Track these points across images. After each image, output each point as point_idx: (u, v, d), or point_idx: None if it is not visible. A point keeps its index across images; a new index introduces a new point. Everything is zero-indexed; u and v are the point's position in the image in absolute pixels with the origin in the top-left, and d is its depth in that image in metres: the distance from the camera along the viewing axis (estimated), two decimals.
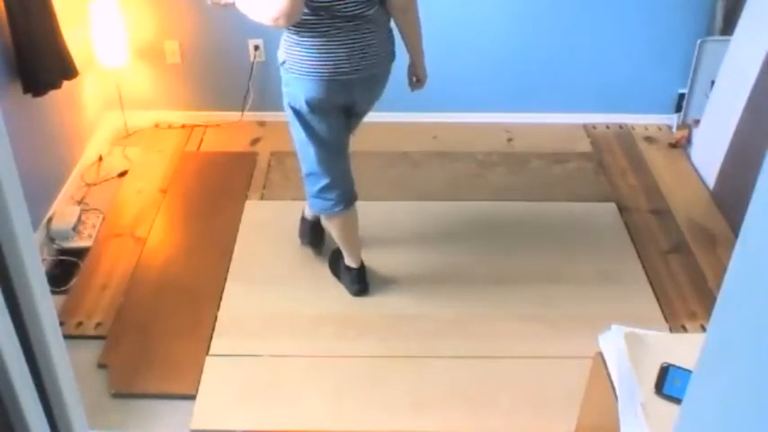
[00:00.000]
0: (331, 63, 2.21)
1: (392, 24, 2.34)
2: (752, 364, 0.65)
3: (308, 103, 2.28)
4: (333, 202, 2.49)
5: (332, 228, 2.62)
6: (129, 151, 3.51)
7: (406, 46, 2.43)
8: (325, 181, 2.45)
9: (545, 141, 3.60)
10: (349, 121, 2.47)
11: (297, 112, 2.34)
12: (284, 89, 2.34)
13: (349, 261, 2.68)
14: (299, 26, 2.17)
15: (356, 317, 2.61)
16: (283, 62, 2.28)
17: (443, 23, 3.49)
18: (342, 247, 2.68)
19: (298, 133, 2.40)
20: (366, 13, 2.19)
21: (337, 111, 2.36)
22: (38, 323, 0.78)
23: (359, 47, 2.22)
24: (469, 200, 3.21)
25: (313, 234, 2.86)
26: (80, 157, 3.32)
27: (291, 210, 3.15)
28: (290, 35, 2.23)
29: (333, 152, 2.43)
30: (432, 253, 2.90)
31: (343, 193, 2.50)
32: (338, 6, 2.15)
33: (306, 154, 2.43)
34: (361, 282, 2.68)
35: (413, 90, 2.55)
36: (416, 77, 2.52)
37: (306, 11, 2.12)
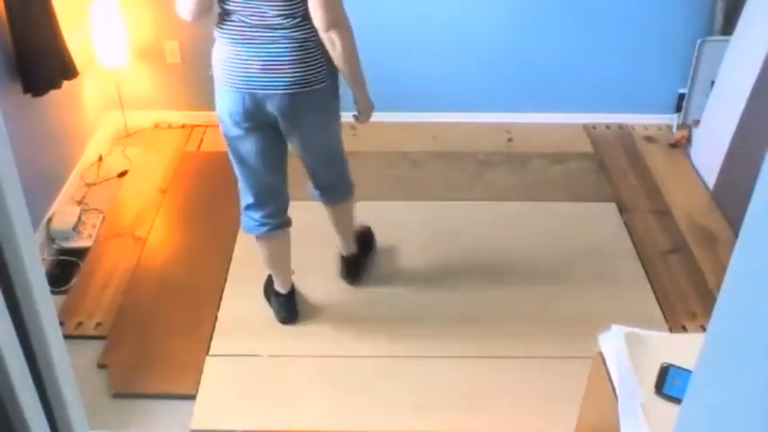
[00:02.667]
0: (244, 75, 2.04)
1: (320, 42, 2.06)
2: (752, 363, 0.65)
3: (230, 115, 2.12)
4: (256, 223, 2.35)
5: (258, 249, 2.45)
6: (129, 151, 3.51)
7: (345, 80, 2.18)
8: (249, 200, 2.31)
9: (545, 141, 3.60)
10: (299, 148, 2.27)
11: (222, 123, 2.18)
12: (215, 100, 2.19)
13: (278, 286, 2.54)
14: (218, 30, 2.06)
15: (356, 317, 2.61)
16: (212, 68, 2.15)
17: (444, 23, 3.50)
18: (270, 271, 2.54)
19: (226, 142, 2.23)
20: (283, 25, 1.99)
21: (263, 128, 2.16)
22: (38, 323, 0.78)
23: (275, 62, 2.02)
24: (469, 200, 3.21)
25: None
26: (80, 157, 3.32)
27: (291, 210, 3.14)
28: (216, 36, 2.10)
29: (256, 170, 2.24)
30: (432, 253, 2.90)
31: (270, 214, 2.34)
32: (248, 12, 1.97)
33: (236, 169, 2.27)
34: (288, 308, 2.54)
35: (356, 122, 2.33)
36: (357, 109, 2.29)
37: (221, 14, 2.03)
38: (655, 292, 2.72)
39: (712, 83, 3.34)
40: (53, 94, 2.89)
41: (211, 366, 2.41)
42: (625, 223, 3.08)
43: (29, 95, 2.76)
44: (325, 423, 2.23)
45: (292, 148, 2.30)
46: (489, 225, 3.06)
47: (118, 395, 2.32)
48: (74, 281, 2.75)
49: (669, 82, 3.65)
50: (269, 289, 2.62)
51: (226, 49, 2.07)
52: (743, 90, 2.98)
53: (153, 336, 2.52)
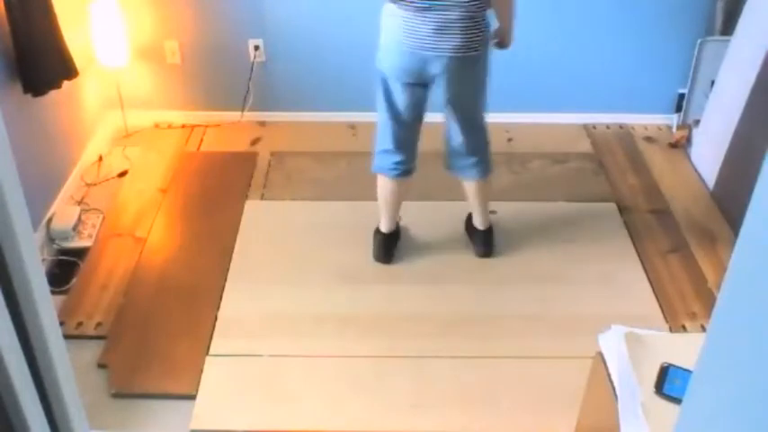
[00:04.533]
0: (416, 37, 2.34)
1: (487, 9, 2.39)
2: (752, 363, 0.65)
3: (392, 71, 2.45)
4: (390, 167, 2.67)
5: (379, 187, 2.75)
6: (129, 151, 3.51)
7: (496, 12, 2.48)
8: (389, 146, 2.62)
9: (545, 141, 3.60)
10: (447, 101, 2.53)
11: (382, 79, 2.50)
12: (377, 55, 2.49)
13: (383, 226, 2.83)
14: (395, 1, 2.32)
15: (356, 317, 2.61)
16: (381, 31, 2.44)
17: None
18: (382, 209, 2.80)
19: (378, 97, 2.56)
20: None
21: (418, 85, 2.47)
22: (38, 323, 0.78)
23: (447, 26, 2.31)
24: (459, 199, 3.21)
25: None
26: (80, 157, 3.32)
27: (291, 210, 3.15)
28: (388, 6, 2.38)
29: (404, 125, 2.58)
30: (432, 253, 2.90)
31: (404, 160, 2.65)
32: None
33: (380, 117, 2.60)
34: (386, 248, 2.83)
35: (496, 48, 2.59)
36: (500, 40, 2.58)
37: None
38: (655, 292, 2.72)
39: (712, 83, 3.34)
40: (53, 94, 2.89)
41: (211, 366, 2.41)
42: (625, 223, 3.08)
43: (29, 95, 2.76)
44: (325, 423, 2.23)
45: (443, 109, 2.59)
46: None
47: (118, 395, 2.31)
48: (74, 281, 2.75)
49: (669, 82, 3.65)
50: (373, 236, 2.88)
51: (400, 15, 2.35)
52: (743, 90, 2.98)
53: (153, 336, 2.52)
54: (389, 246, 2.84)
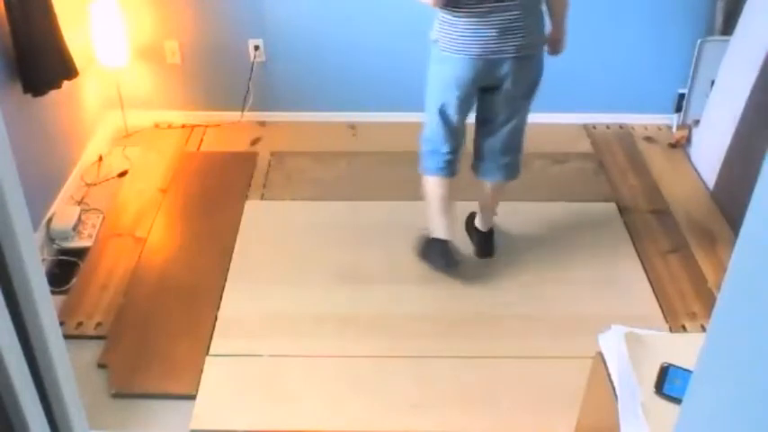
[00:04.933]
0: (481, 43, 2.31)
1: (543, 7, 2.41)
2: (752, 364, 0.65)
3: (456, 81, 2.41)
4: (439, 168, 2.64)
5: (428, 188, 2.71)
6: (129, 151, 3.51)
7: (551, 19, 2.51)
8: (439, 148, 2.60)
9: (545, 141, 3.60)
10: (499, 101, 2.51)
11: (439, 88, 2.47)
12: (433, 66, 2.47)
13: (442, 233, 2.73)
14: (454, 8, 2.29)
15: (356, 317, 2.61)
16: (436, 41, 2.40)
17: None
18: (439, 217, 2.72)
19: (430, 103, 2.53)
20: None
21: (476, 89, 2.47)
22: (38, 323, 0.78)
23: (509, 27, 2.30)
24: (470, 200, 3.20)
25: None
26: (80, 157, 3.32)
27: (291, 210, 3.15)
28: (443, 16, 2.34)
29: (455, 127, 2.56)
30: None
31: (455, 160, 2.64)
32: None
33: (431, 120, 2.57)
34: (451, 255, 2.73)
35: (550, 54, 2.59)
36: (553, 48, 2.58)
37: None
38: (655, 292, 2.72)
39: (712, 83, 3.34)
40: (53, 94, 2.89)
41: (211, 366, 2.41)
42: (625, 223, 3.08)
43: (29, 95, 2.76)
44: (324, 423, 2.23)
45: (488, 110, 2.56)
46: None
47: (118, 395, 2.31)
48: (74, 281, 2.75)
49: (669, 82, 3.65)
50: (427, 247, 2.78)
51: (460, 22, 2.31)
52: (743, 90, 2.98)
53: (153, 336, 2.52)
54: (453, 251, 2.74)
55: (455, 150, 2.64)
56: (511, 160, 2.66)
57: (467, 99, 2.49)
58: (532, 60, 2.42)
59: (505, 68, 2.38)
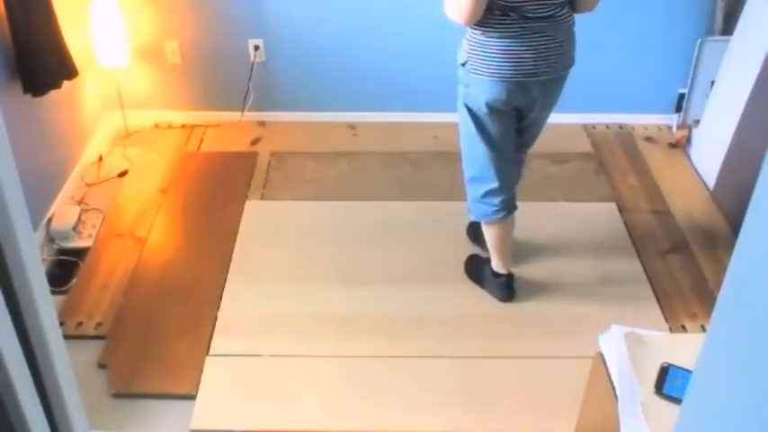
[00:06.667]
0: (515, 64, 2.19)
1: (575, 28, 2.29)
2: (751, 364, 0.65)
3: (487, 104, 2.27)
4: (496, 209, 2.48)
5: (488, 234, 2.59)
6: (129, 151, 3.51)
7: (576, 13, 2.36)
8: (493, 185, 2.44)
9: (545, 141, 3.58)
10: (521, 128, 2.43)
11: (473, 114, 2.33)
12: (462, 89, 2.32)
13: (498, 267, 2.64)
14: (486, 27, 2.16)
15: (356, 317, 2.61)
16: (464, 63, 2.27)
17: (445, 24, 3.49)
18: (493, 254, 2.63)
19: (469, 135, 2.38)
20: (557, 15, 2.17)
21: (512, 113, 2.34)
22: (38, 323, 0.78)
23: (544, 49, 2.19)
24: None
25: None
26: (80, 157, 3.32)
27: (291, 210, 3.15)
28: (474, 35, 2.21)
29: (504, 155, 2.41)
30: (432, 253, 2.90)
31: (508, 199, 2.50)
32: (531, 8, 2.12)
33: (475, 157, 2.41)
34: (509, 288, 2.66)
35: None
36: None
37: (495, 12, 2.12)
38: (655, 292, 2.72)
39: (712, 83, 3.34)
40: (53, 94, 2.89)
41: (211, 366, 2.41)
42: (625, 223, 3.08)
43: (29, 95, 2.76)
44: (324, 423, 2.23)
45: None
46: None
47: (118, 395, 2.32)
48: (74, 281, 2.75)
49: (669, 82, 3.65)
50: (479, 270, 2.72)
51: (493, 43, 2.18)
52: (743, 90, 2.98)
53: (153, 336, 2.52)
54: (512, 283, 2.66)
55: (509, 187, 2.49)
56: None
57: (506, 121, 2.34)
58: (561, 82, 2.33)
59: (536, 92, 2.27)
